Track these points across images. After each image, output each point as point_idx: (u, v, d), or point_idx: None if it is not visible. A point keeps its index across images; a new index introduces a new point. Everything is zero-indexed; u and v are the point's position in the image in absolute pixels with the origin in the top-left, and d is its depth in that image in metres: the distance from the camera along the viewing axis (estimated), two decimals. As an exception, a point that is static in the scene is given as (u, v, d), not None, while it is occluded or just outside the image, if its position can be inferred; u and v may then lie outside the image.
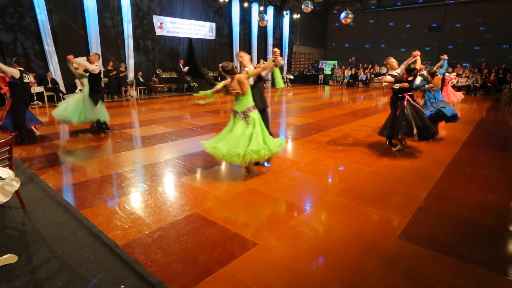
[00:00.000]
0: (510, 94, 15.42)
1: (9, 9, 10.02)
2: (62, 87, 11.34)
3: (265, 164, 4.54)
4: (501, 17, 17.10)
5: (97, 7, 11.81)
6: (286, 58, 21.32)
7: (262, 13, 16.88)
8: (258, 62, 19.16)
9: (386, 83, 5.29)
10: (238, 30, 17.64)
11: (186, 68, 14.39)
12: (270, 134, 4.16)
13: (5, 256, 2.30)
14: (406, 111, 4.98)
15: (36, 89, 10.39)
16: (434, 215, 3.17)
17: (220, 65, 3.87)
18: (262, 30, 19.22)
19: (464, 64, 17.21)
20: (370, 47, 22.67)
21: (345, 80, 21.12)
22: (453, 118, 6.03)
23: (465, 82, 15.10)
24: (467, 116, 9.18)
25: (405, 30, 20.84)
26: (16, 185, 2.55)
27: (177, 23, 15.00)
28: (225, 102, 12.45)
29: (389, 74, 5.21)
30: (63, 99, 11.05)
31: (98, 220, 2.97)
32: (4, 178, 2.46)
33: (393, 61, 5.34)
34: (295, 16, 20.15)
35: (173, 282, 2.14)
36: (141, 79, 13.51)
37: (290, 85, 20.31)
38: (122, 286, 2.07)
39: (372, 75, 20.01)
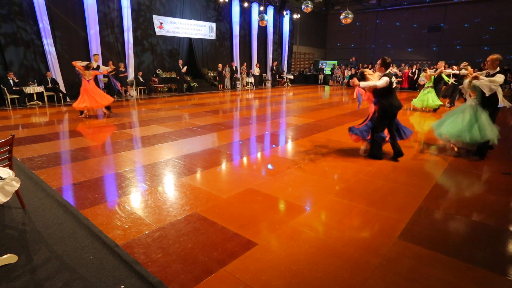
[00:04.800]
0: (510, 94, 15.41)
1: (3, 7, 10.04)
2: (62, 87, 11.33)
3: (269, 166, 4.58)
4: (501, 17, 17.11)
5: (97, 7, 11.83)
6: (286, 58, 21.33)
7: (262, 13, 16.88)
8: (258, 62, 19.19)
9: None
10: (238, 30, 17.63)
11: (185, 68, 14.38)
12: None
13: (5, 256, 2.30)
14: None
15: (36, 89, 10.39)
16: (434, 215, 3.18)
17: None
18: (262, 30, 19.22)
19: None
20: (370, 47, 22.68)
21: (345, 80, 21.11)
22: None
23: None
24: (467, 116, 9.16)
25: (405, 30, 20.86)
26: (16, 185, 2.55)
27: (177, 23, 14.99)
28: (224, 102, 12.45)
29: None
30: (63, 99, 11.09)
31: (98, 220, 2.97)
32: (4, 178, 2.46)
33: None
34: (295, 16, 20.15)
35: (173, 282, 2.15)
36: (141, 79, 13.51)
37: (290, 85, 20.32)
38: (122, 286, 2.07)
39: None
